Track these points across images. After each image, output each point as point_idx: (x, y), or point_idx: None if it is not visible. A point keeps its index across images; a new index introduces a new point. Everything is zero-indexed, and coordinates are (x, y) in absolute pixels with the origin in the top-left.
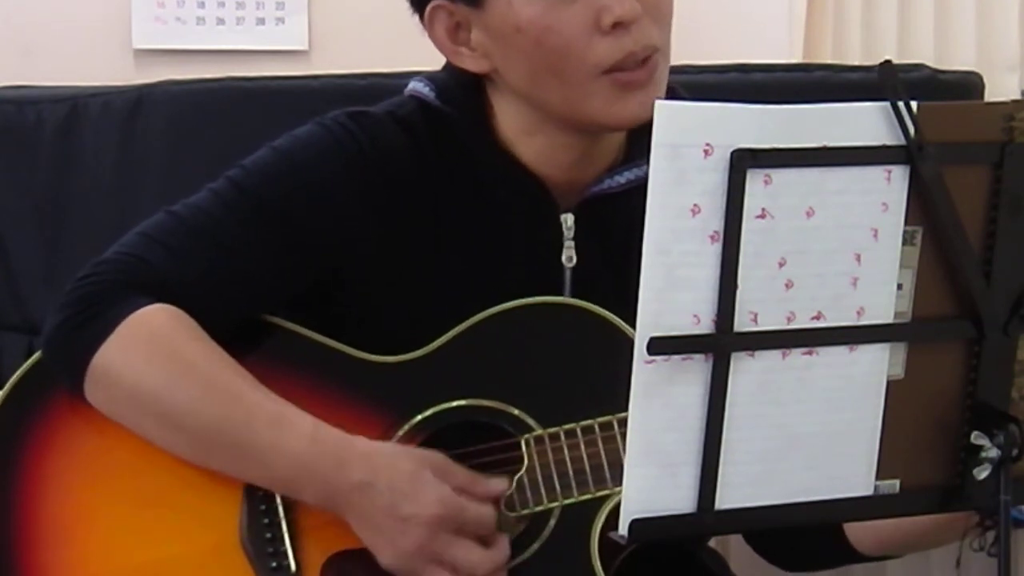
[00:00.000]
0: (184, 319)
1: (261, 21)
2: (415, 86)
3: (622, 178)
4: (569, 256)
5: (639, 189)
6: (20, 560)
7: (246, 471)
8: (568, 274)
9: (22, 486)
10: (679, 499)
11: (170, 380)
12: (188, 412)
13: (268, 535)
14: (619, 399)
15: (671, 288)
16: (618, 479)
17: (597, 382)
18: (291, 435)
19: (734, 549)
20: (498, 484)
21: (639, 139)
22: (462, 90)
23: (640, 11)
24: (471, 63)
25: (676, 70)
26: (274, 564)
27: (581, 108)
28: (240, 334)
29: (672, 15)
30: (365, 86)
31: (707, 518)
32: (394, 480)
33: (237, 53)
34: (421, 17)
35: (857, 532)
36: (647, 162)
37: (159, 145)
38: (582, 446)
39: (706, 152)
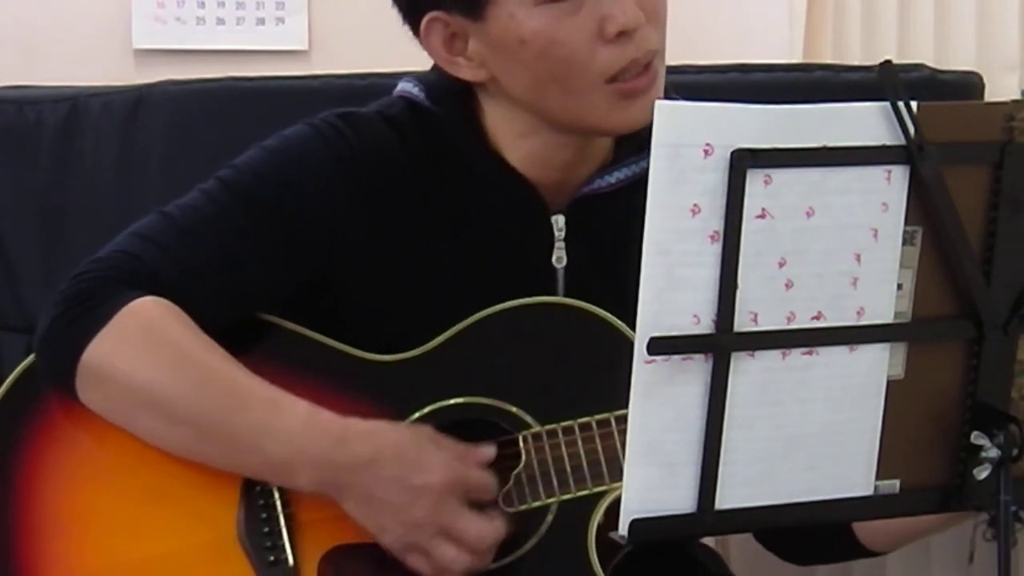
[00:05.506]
0: (176, 311)
1: (261, 21)
2: (404, 87)
3: (612, 178)
4: (559, 257)
5: (629, 188)
6: (20, 556)
7: (240, 458)
8: (560, 274)
9: (20, 482)
10: (679, 499)
11: (164, 370)
12: (183, 401)
13: (266, 529)
14: (616, 397)
15: (671, 288)
16: (615, 475)
17: (594, 380)
18: (287, 416)
19: (734, 549)
20: (487, 450)
21: (628, 139)
22: (451, 91)
23: (643, 19)
24: (467, 72)
25: (676, 70)
26: (272, 558)
27: (583, 116)
28: (238, 333)
29: (667, 14)
30: (365, 86)
31: (707, 518)
32: (400, 452)
33: (237, 53)
34: (414, 26)
35: (866, 531)
36: (636, 161)
37: (159, 145)
38: (579, 443)
39: (706, 152)
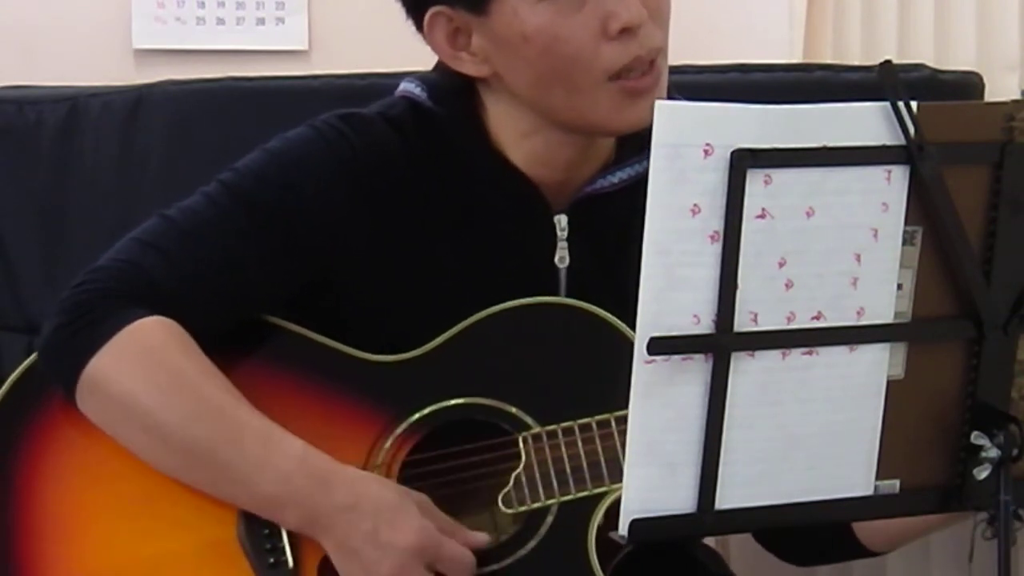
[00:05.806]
0: (179, 333)
1: (261, 21)
2: (406, 87)
3: (615, 178)
4: (561, 256)
5: (631, 188)
6: (19, 556)
7: (230, 489)
8: (563, 274)
9: (20, 482)
10: (679, 499)
11: (161, 394)
12: (178, 427)
13: (266, 531)
14: (616, 398)
15: (671, 288)
16: (615, 476)
17: (594, 381)
18: (280, 453)
19: (734, 549)
20: (480, 537)
21: (631, 138)
22: (454, 91)
23: (646, 16)
24: (471, 68)
25: (676, 70)
26: (272, 560)
27: (587, 114)
28: (240, 334)
29: (670, 14)
30: (365, 86)
31: (707, 518)
32: (379, 507)
33: (237, 53)
34: (418, 21)
35: (867, 531)
36: (639, 161)
37: (159, 145)
38: (579, 444)
39: (706, 152)
